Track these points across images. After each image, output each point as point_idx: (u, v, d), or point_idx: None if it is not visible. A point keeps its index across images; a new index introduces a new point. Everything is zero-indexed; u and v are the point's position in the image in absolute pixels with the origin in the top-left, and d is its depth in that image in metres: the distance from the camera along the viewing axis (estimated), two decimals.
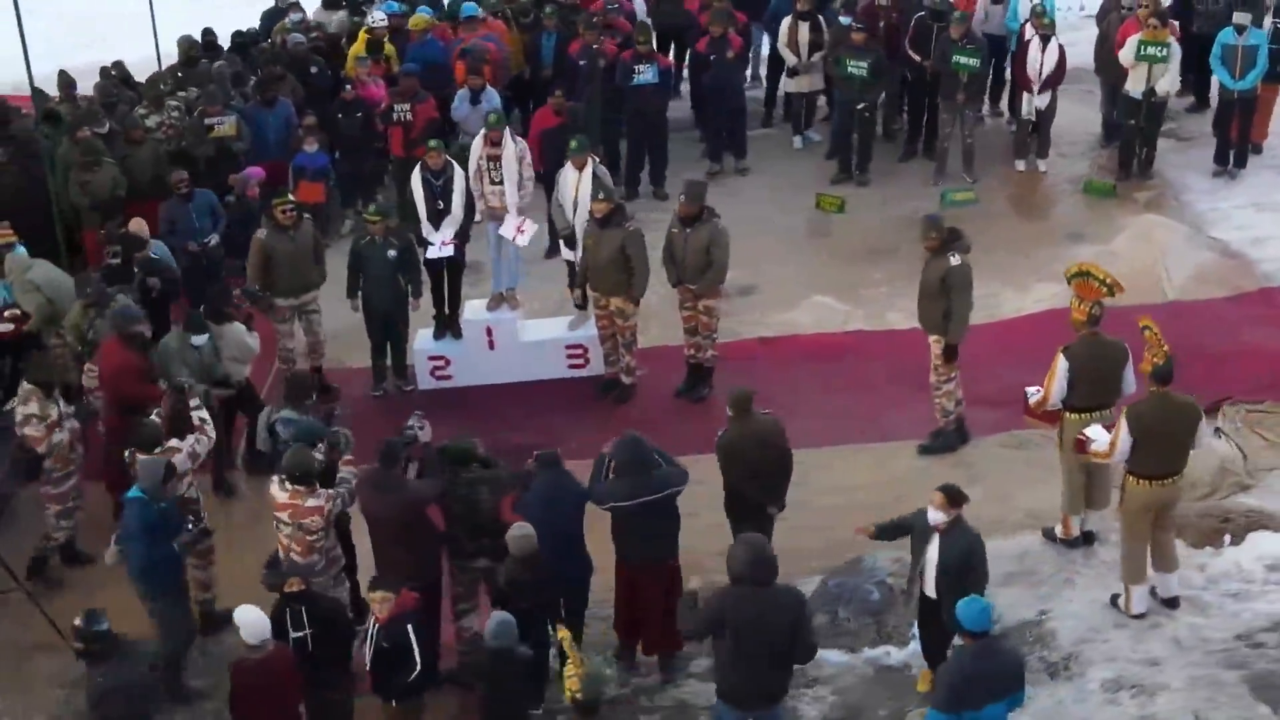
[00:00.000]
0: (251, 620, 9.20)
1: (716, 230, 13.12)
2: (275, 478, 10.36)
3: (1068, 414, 10.66)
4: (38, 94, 17.56)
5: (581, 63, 17.31)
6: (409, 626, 9.20)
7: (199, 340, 12.29)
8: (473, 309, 14.33)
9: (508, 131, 13.85)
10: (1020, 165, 17.25)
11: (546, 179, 15.21)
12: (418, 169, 13.92)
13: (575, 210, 13.69)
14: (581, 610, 10.48)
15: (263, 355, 14.14)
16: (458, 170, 13.84)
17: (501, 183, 13.88)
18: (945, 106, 16.77)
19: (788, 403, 13.40)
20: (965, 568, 9.05)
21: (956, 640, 8.84)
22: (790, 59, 17.82)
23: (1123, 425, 9.82)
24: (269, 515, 10.46)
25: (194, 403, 11.03)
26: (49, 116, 16.95)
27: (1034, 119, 16.83)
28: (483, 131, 13.96)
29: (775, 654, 8.68)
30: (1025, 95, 16.79)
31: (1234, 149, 16.59)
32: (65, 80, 17.82)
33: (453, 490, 10.17)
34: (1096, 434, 10.22)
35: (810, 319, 14.71)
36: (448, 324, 14.30)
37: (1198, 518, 10.93)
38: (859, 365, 13.84)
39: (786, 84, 18.38)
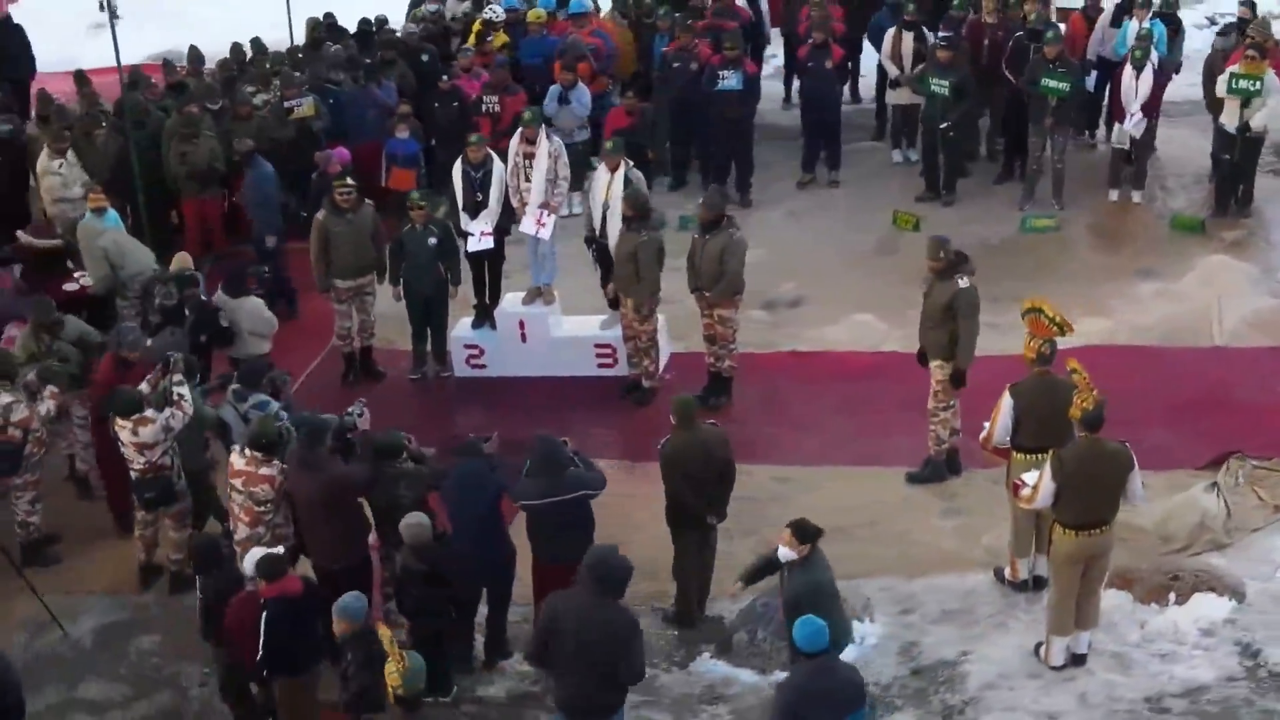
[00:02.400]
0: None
1: (732, 240, 13.08)
2: (236, 446, 10.79)
3: (1015, 454, 10.40)
4: (167, 66, 18.56)
5: (675, 65, 17.44)
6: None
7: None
8: (509, 301, 14.59)
9: (543, 130, 14.02)
10: (1113, 195, 16.66)
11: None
12: (459, 161, 14.23)
13: (606, 211, 13.81)
14: (506, 597, 10.63)
15: (321, 334, 14.78)
16: (497, 164, 14.10)
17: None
18: (1034, 130, 16.31)
19: (796, 419, 13.44)
20: (809, 605, 8.87)
21: None
22: (893, 71, 17.60)
23: (1046, 470, 9.54)
24: None
25: (175, 378, 11.33)
26: (174, 88, 17.89)
27: (1128, 148, 16.25)
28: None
29: (602, 673, 8.70)
30: (1117, 123, 16.24)
31: None
32: (194, 55, 18.74)
33: (378, 482, 10.43)
34: (1031, 478, 9.91)
35: (848, 336, 14.54)
36: (486, 314, 14.58)
37: (1149, 573, 10.52)
38: (878, 387, 13.63)
39: (890, 96, 18.14)
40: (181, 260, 13.74)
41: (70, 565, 12.16)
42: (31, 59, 19.94)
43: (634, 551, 10.68)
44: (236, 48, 18.89)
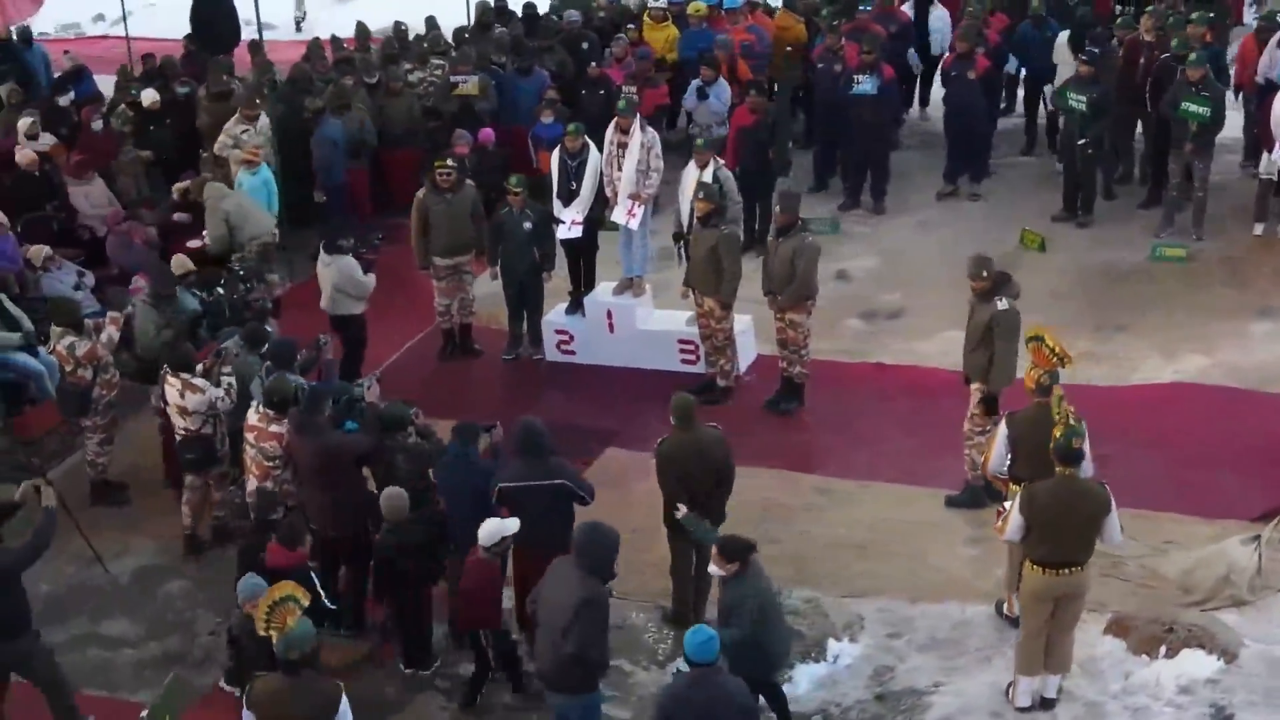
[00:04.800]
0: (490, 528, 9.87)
1: (804, 244, 12.94)
2: (254, 403, 11.21)
3: (1011, 484, 10.07)
4: (335, 42, 19.30)
5: (819, 66, 17.29)
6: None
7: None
8: (601, 290, 14.73)
9: (638, 120, 14.09)
10: (1258, 230, 15.85)
11: (742, 178, 15.48)
12: (557, 149, 14.43)
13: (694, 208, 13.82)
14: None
15: (423, 310, 15.18)
16: (593, 154, 14.25)
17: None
18: (1173, 156, 15.63)
19: (857, 432, 13.27)
20: (735, 619, 8.81)
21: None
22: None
23: (1015, 503, 9.23)
24: None
25: (226, 369, 11.81)
26: (341, 62, 18.61)
27: (1277, 179, 15.43)
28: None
29: (554, 640, 8.79)
30: (1265, 152, 15.44)
31: None
32: (362, 31, 19.42)
33: (377, 453, 10.70)
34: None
35: (937, 351, 14.17)
36: (579, 301, 14.77)
37: (1145, 622, 10.05)
38: (947, 406, 13.15)
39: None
40: (181, 264, 13.75)
41: (136, 508, 12.76)
42: (236, 28, 20.94)
43: (660, 548, 10.91)
44: (398, 26, 19.49)
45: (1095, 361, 13.81)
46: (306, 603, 8.32)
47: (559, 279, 14.83)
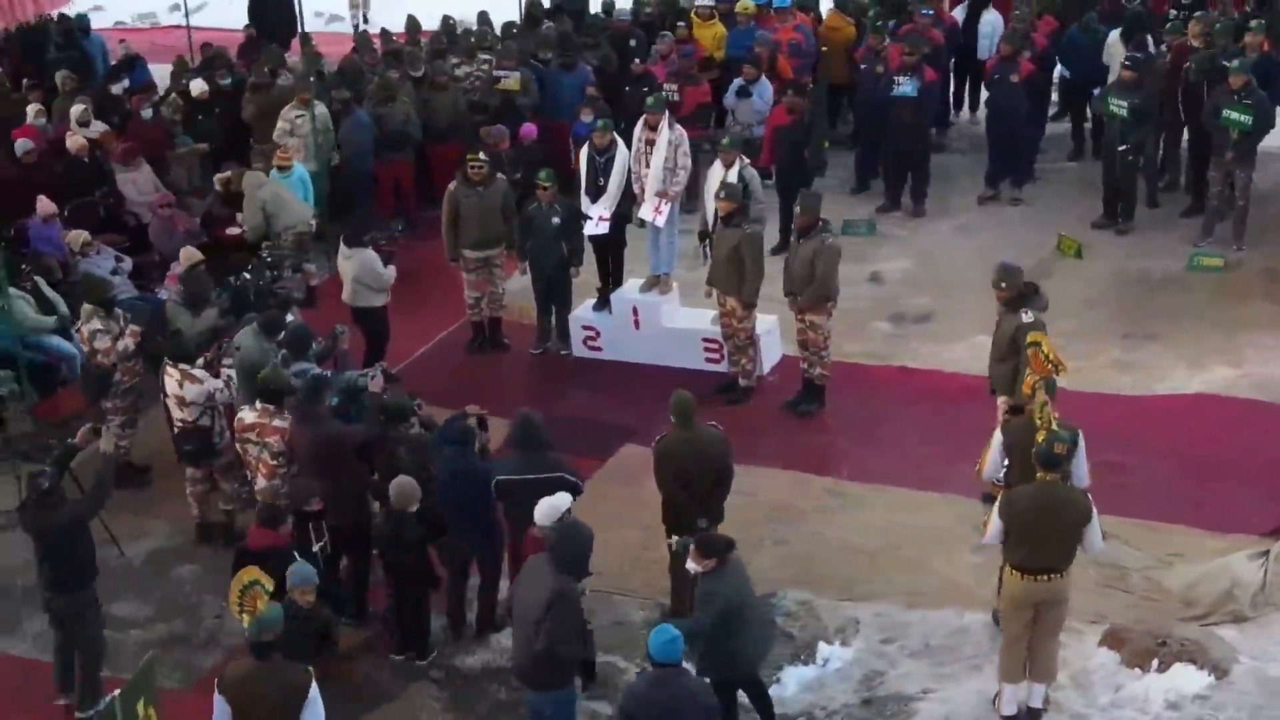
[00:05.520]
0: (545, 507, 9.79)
1: (824, 246, 12.87)
2: (245, 403, 11.32)
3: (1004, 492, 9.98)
4: (384, 34, 19.47)
5: (863, 66, 17.21)
6: None
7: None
8: (629, 287, 14.76)
9: (666, 117, 14.09)
10: None
11: (778, 178, 15.50)
12: (586, 144, 14.47)
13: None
14: (496, 573, 10.78)
15: (457, 303, 15.27)
16: (621, 150, 14.27)
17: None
18: (1214, 164, 15.41)
19: (876, 435, 13.20)
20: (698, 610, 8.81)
21: None
22: None
23: (995, 508, 9.18)
24: None
25: (227, 361, 11.98)
26: (389, 55, 18.78)
27: None
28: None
29: (527, 635, 8.84)
30: None
31: None
32: (412, 24, 19.58)
33: (378, 444, 10.79)
34: None
35: (965, 356, 14.06)
36: (606, 298, 14.80)
37: (1140, 635, 9.94)
38: (970, 412, 13.04)
39: None
40: (189, 255, 13.61)
41: (156, 490, 12.97)
42: (292, 17, 21.16)
43: None
44: (446, 21, 19.63)
45: (1122, 370, 13.68)
46: (272, 587, 8.42)
47: (588, 275, 14.87)
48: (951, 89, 19.37)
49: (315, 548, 10.51)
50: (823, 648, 10.30)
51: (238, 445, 11.27)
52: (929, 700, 9.83)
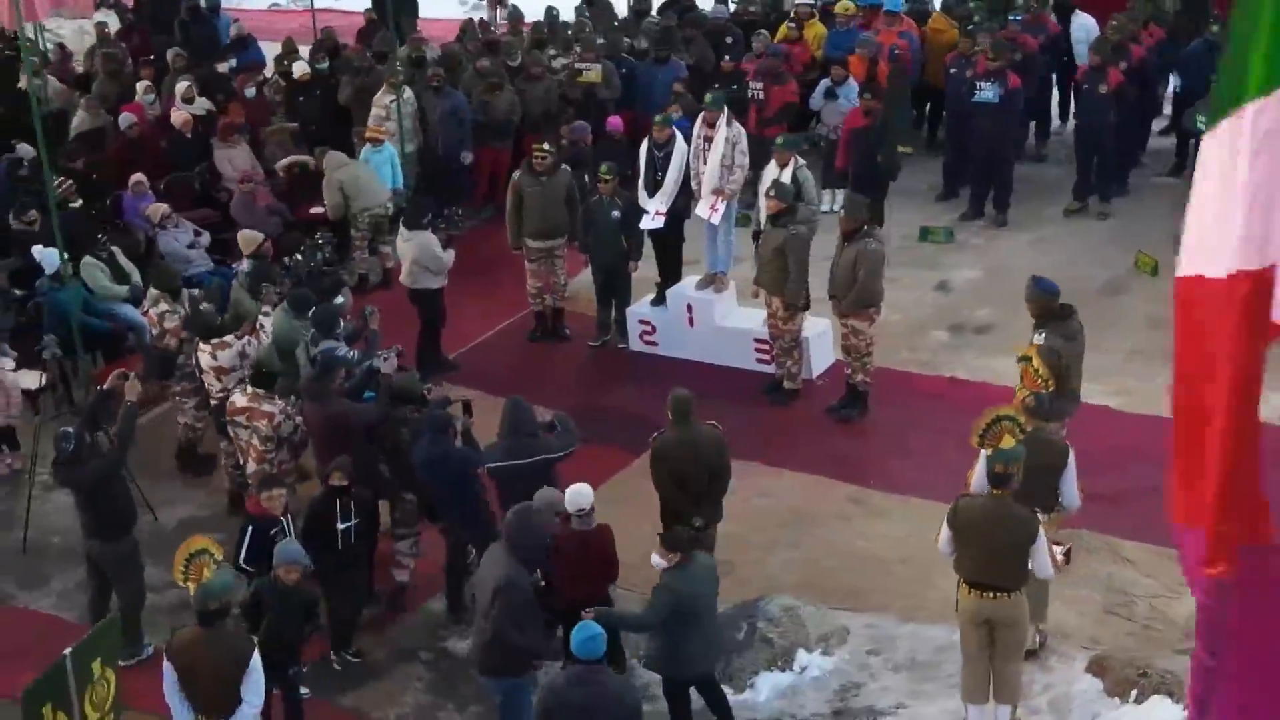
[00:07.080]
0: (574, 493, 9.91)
1: (866, 251, 12.74)
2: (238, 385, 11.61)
3: None
4: (482, 24, 19.76)
5: (952, 71, 16.97)
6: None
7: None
8: (685, 284, 14.76)
9: (724, 115, 14.05)
10: None
11: (856, 179, 15.37)
12: (647, 139, 14.51)
13: None
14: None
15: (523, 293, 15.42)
16: (679, 146, 14.26)
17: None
18: None
19: (910, 445, 13.05)
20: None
21: None
22: None
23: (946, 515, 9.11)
24: None
25: (264, 309, 12.30)
26: (488, 44, 19.04)
27: None
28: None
29: (480, 623, 8.97)
30: None
31: None
32: (515, 14, 19.80)
33: (384, 424, 10.98)
34: None
35: (1016, 371, 13.78)
36: (663, 293, 14.83)
37: (1122, 664, 9.69)
38: None
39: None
40: (249, 239, 13.88)
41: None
42: (414, 4, 21.59)
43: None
44: (549, 11, 19.79)
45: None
46: (220, 556, 8.64)
47: (650, 270, 14.90)
48: (1056, 98, 18.90)
49: (341, 526, 10.64)
50: (801, 655, 10.21)
51: (229, 429, 11.53)
52: (899, 716, 9.72)
